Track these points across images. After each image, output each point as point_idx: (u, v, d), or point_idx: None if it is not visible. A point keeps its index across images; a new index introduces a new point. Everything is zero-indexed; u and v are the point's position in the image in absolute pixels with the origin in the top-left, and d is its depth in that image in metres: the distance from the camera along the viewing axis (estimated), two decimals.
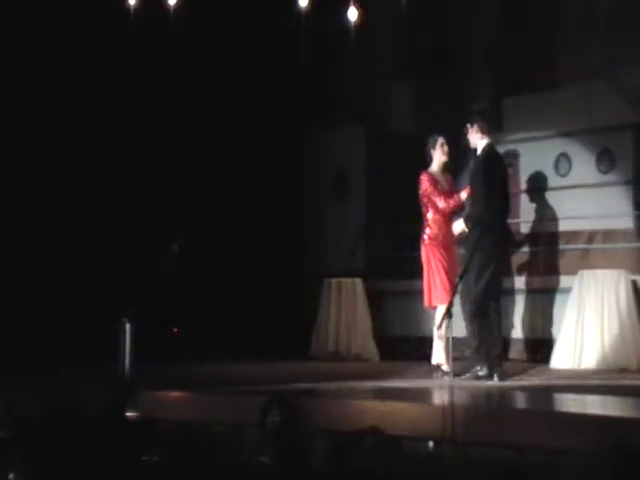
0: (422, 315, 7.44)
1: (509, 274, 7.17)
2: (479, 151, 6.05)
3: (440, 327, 6.14)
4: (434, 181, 6.22)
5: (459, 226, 6.03)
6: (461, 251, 6.34)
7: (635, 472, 3.37)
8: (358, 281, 8.02)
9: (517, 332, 7.26)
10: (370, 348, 7.89)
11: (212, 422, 4.85)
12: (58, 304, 7.37)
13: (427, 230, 6.23)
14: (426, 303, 6.26)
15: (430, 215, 6.21)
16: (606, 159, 7.34)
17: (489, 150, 6.04)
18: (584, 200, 7.31)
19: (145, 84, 7.82)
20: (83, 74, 7.68)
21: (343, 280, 8.06)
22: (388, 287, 8.16)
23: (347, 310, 8.01)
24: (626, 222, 7.21)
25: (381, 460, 3.94)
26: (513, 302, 7.28)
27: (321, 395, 5.34)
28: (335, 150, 8.65)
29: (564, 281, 7.09)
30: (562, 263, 7.29)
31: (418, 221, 7.63)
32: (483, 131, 6.04)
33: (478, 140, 6.06)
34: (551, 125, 7.44)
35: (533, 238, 7.34)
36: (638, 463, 3.42)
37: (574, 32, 7.43)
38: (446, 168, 6.31)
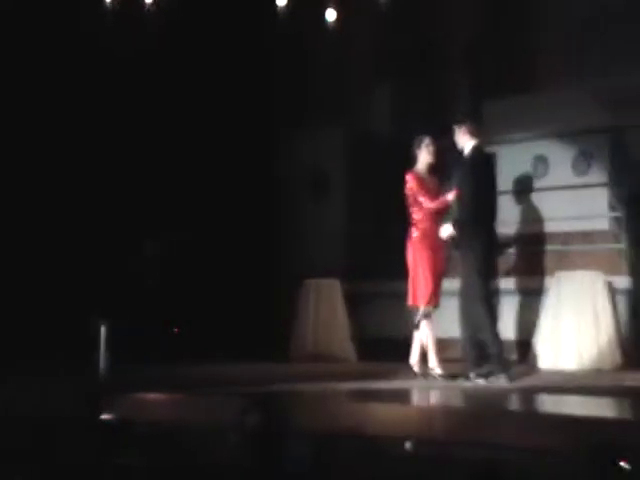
0: (400, 316, 7.45)
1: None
2: (467, 152, 5.99)
3: (417, 328, 6.16)
4: (420, 180, 6.17)
5: (447, 230, 5.97)
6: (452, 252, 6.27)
7: (610, 471, 3.40)
8: (336, 282, 8.02)
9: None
10: (348, 349, 7.89)
11: (189, 424, 4.81)
12: (33, 307, 7.28)
13: (414, 230, 6.18)
14: (410, 302, 6.22)
15: (417, 215, 6.17)
16: (582, 161, 7.41)
17: (477, 151, 5.97)
18: (561, 202, 7.37)
19: (121, 84, 7.76)
20: (60, 74, 7.60)
21: (321, 281, 8.06)
22: (366, 288, 8.17)
23: (325, 311, 8.00)
24: (602, 224, 7.28)
25: (359, 461, 3.94)
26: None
27: (299, 396, 5.33)
28: (314, 150, 8.65)
29: (541, 282, 7.14)
30: (539, 264, 7.34)
31: (397, 222, 7.64)
32: (471, 132, 5.97)
33: (466, 141, 5.99)
34: (529, 127, 7.50)
35: (510, 239, 7.38)
36: (613, 462, 3.45)
37: (552, 36, 7.50)
38: (431, 169, 6.26)
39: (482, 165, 5.98)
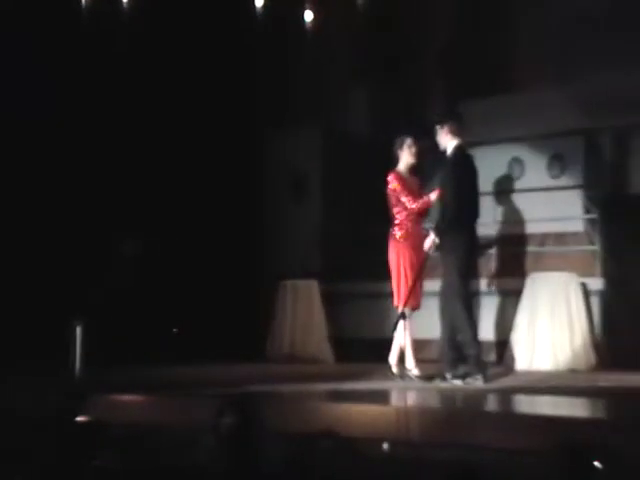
0: (378, 317, 7.48)
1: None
2: (449, 152, 5.95)
3: (395, 329, 6.17)
4: (403, 181, 6.14)
5: (429, 240, 5.88)
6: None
7: (584, 471, 3.43)
8: (314, 283, 8.02)
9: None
10: (325, 350, 7.89)
11: (165, 425, 4.79)
12: (8, 307, 7.20)
13: (397, 230, 6.14)
14: (396, 302, 6.14)
15: (399, 215, 6.13)
16: (557, 164, 7.49)
17: (459, 151, 5.92)
18: (536, 204, 7.44)
19: (103, 86, 7.70)
20: (36, 75, 7.51)
21: (299, 282, 8.06)
22: (344, 289, 8.18)
23: (303, 312, 8.00)
24: (576, 225, 7.36)
25: (336, 462, 3.94)
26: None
27: (276, 397, 5.32)
28: (292, 151, 8.65)
29: (516, 283, 7.19)
30: (515, 265, 7.40)
31: (375, 222, 7.66)
32: (453, 132, 5.91)
33: (448, 141, 5.93)
34: (504, 129, 7.55)
35: (487, 241, 7.44)
36: (586, 462, 3.48)
37: (529, 38, 7.56)
38: (413, 169, 6.24)
39: (464, 165, 5.94)
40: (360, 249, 8.22)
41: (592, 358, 6.86)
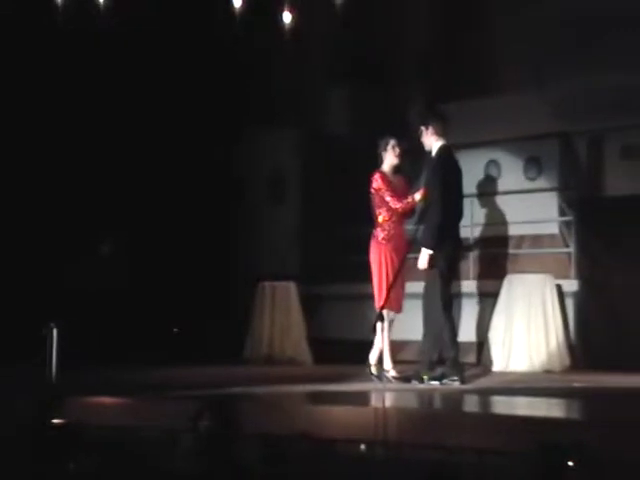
0: (356, 318, 7.50)
1: None
2: (434, 153, 5.89)
3: (374, 330, 6.17)
4: (387, 181, 6.10)
5: (424, 258, 5.76)
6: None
7: (559, 471, 3.48)
8: (292, 285, 8.03)
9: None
10: (304, 352, 7.90)
11: (143, 428, 4.77)
12: None
13: (379, 231, 6.09)
14: (378, 304, 6.06)
15: (382, 217, 6.08)
16: (533, 166, 7.56)
17: (444, 152, 5.88)
18: (513, 206, 7.50)
19: (75, 83, 7.65)
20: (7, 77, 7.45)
21: (277, 284, 8.06)
22: (322, 290, 8.20)
23: (281, 314, 8.00)
24: (552, 228, 7.44)
25: (313, 463, 3.95)
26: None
27: (254, 399, 5.32)
28: (271, 152, 8.66)
29: (493, 285, 7.25)
30: (492, 267, 7.46)
31: (354, 224, 7.68)
32: (438, 133, 5.87)
33: (433, 142, 5.89)
34: (481, 132, 7.62)
35: (465, 243, 7.49)
36: (560, 461, 3.53)
37: (505, 43, 7.63)
38: (398, 170, 6.19)
39: (449, 165, 5.91)
40: (338, 250, 8.24)
41: (567, 359, 6.94)
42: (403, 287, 6.07)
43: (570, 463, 3.52)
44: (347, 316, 7.89)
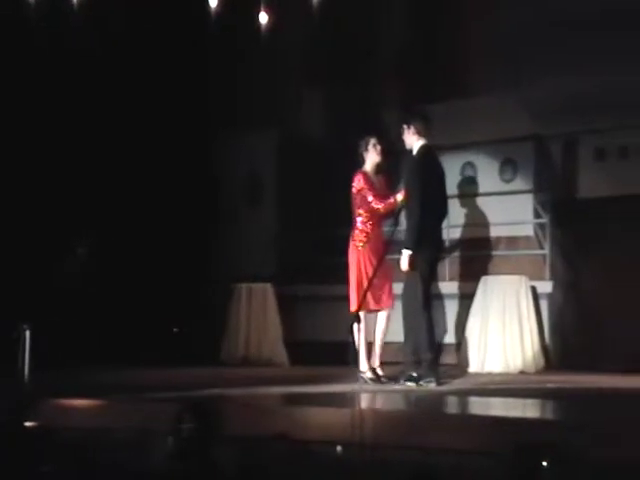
0: (333, 320, 7.50)
1: None
2: (415, 152, 5.86)
3: (351, 332, 6.17)
4: (369, 181, 6.05)
5: (405, 257, 5.71)
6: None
7: (533, 471, 3.50)
8: (268, 286, 8.02)
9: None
10: (280, 353, 7.89)
11: (118, 429, 4.74)
12: None
13: (358, 233, 6.02)
14: (354, 308, 5.98)
15: (362, 217, 6.02)
16: (509, 168, 7.62)
17: (425, 151, 5.85)
18: (489, 208, 7.56)
19: (54, 86, 7.58)
20: None
21: (253, 285, 8.04)
22: (299, 292, 8.20)
23: (257, 315, 7.99)
24: (527, 229, 7.50)
25: (290, 465, 3.95)
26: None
27: (230, 401, 5.30)
28: (247, 153, 8.64)
29: (469, 287, 7.29)
30: (467, 269, 7.50)
31: (330, 225, 7.68)
32: (419, 132, 5.83)
33: (414, 141, 5.85)
34: (457, 134, 7.66)
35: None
36: (535, 462, 3.56)
37: (480, 45, 7.68)
38: (380, 169, 6.14)
39: (430, 165, 5.87)
40: (315, 252, 8.24)
41: (541, 360, 7.00)
42: (385, 285, 5.99)
43: (544, 463, 3.55)
44: (324, 317, 7.90)
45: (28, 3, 6.60)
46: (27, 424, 4.58)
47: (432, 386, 5.72)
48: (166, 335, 7.83)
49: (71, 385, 5.80)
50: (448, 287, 7.45)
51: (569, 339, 7.11)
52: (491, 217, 7.48)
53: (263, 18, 6.98)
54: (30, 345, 5.55)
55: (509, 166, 7.63)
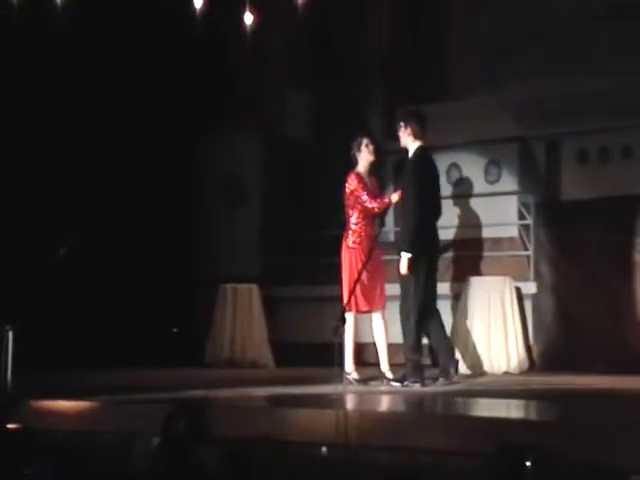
0: (318, 321, 7.50)
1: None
2: (411, 154, 5.84)
3: (335, 333, 6.16)
4: (362, 181, 6.02)
5: (404, 260, 5.69)
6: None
7: (515, 471, 3.52)
8: (254, 287, 8.01)
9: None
10: (266, 354, 7.88)
11: (102, 432, 4.71)
12: None
13: (351, 234, 5.98)
14: (347, 306, 5.92)
15: (354, 218, 5.99)
16: (494, 170, 7.66)
17: (421, 153, 5.83)
18: (473, 209, 7.59)
19: (28, 83, 7.53)
20: None
21: (239, 286, 8.03)
22: (284, 293, 8.20)
23: (243, 316, 7.97)
24: (512, 231, 7.54)
25: (274, 466, 3.95)
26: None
27: (215, 402, 5.29)
28: (231, 154, 8.63)
29: (454, 288, 7.32)
30: (452, 270, 7.53)
31: (315, 227, 7.69)
32: (415, 133, 5.81)
33: (410, 142, 5.83)
34: (442, 136, 7.69)
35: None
36: (519, 462, 3.58)
37: (464, 48, 7.72)
38: (372, 170, 6.13)
39: (426, 166, 5.86)
40: (300, 253, 8.25)
41: (525, 361, 7.04)
42: (377, 285, 5.97)
43: (528, 463, 3.57)
44: (309, 318, 7.90)
45: (11, 4, 6.55)
46: (9, 426, 4.55)
47: (417, 387, 5.73)
48: (150, 336, 7.79)
49: (55, 386, 5.76)
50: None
51: (553, 340, 7.15)
52: (476, 218, 7.51)
53: (248, 18, 6.97)
54: (13, 346, 5.51)
55: (494, 168, 7.66)
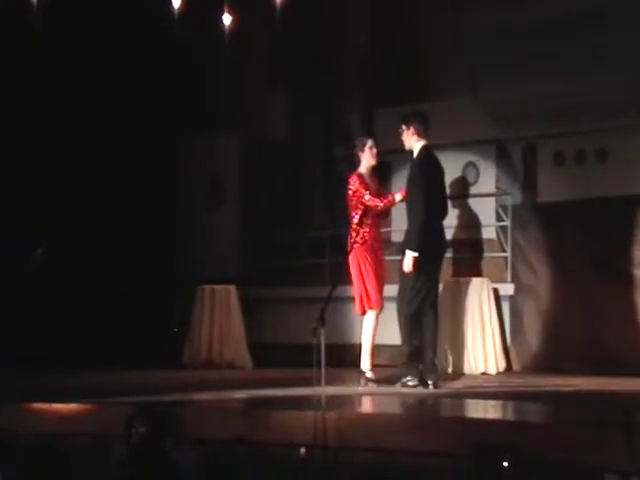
0: (296, 322, 7.49)
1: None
2: (415, 154, 5.82)
3: (315, 334, 6.15)
4: (364, 182, 6.02)
5: (409, 258, 5.66)
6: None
7: (493, 471, 3.54)
8: (232, 288, 7.98)
9: (391, 338, 7.32)
10: (243, 356, 7.85)
11: (75, 434, 4.67)
12: None
13: (355, 235, 5.97)
14: (358, 311, 6.00)
15: (357, 219, 5.97)
16: (472, 172, 7.69)
17: (425, 152, 5.80)
18: (452, 210, 7.61)
19: (6, 83, 7.45)
20: None
21: (217, 287, 7.99)
22: (263, 294, 8.17)
23: (220, 317, 7.94)
24: (490, 232, 7.58)
25: (251, 468, 3.93)
26: (387, 309, 7.43)
27: (192, 404, 5.26)
28: (210, 155, 8.60)
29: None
30: None
31: (293, 228, 7.67)
32: (419, 133, 5.78)
33: (414, 142, 5.80)
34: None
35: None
36: (496, 462, 3.59)
37: (442, 50, 7.75)
38: (374, 171, 6.12)
39: (431, 165, 5.84)
40: (278, 254, 8.23)
41: (503, 362, 7.07)
42: (382, 286, 6.01)
43: (505, 463, 3.59)
44: (287, 319, 7.89)
45: None
46: None
47: (430, 388, 5.68)
48: (128, 338, 7.74)
49: (28, 389, 5.70)
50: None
51: (530, 341, 7.20)
52: (454, 220, 7.54)
53: (227, 19, 6.96)
54: None
55: (472, 169, 7.70)
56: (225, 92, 8.43)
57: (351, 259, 6.01)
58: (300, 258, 8.04)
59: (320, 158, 8.32)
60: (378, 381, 5.96)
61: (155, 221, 8.33)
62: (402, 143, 5.95)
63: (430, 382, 5.72)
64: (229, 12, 6.83)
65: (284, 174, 8.30)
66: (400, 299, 5.84)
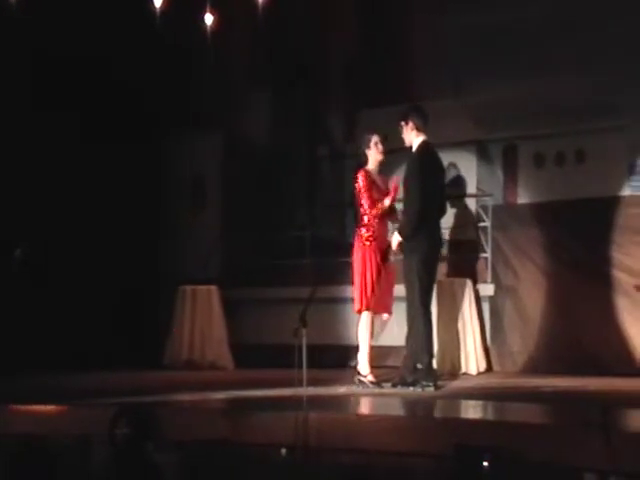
0: (278, 323, 7.49)
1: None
2: (414, 149, 5.77)
3: (296, 335, 6.14)
4: (370, 180, 5.96)
5: (396, 239, 5.70)
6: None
7: (473, 471, 3.57)
8: (213, 288, 7.96)
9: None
10: (225, 356, 7.84)
11: (56, 436, 4.64)
12: None
13: (364, 231, 5.89)
14: (358, 307, 5.90)
15: (367, 216, 5.90)
16: (452, 172, 7.74)
17: (424, 148, 5.75)
18: None
19: None
20: None
21: (198, 288, 7.98)
22: (244, 295, 8.17)
23: (202, 318, 7.92)
24: (470, 233, 7.62)
25: (233, 469, 3.93)
26: None
27: (173, 405, 5.25)
28: (192, 155, 8.58)
29: None
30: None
31: (275, 228, 7.66)
32: (418, 128, 5.74)
33: (414, 138, 5.75)
34: (401, 138, 7.73)
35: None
36: (476, 462, 3.62)
37: (423, 52, 7.78)
38: (381, 167, 6.07)
39: (430, 161, 5.79)
40: (261, 254, 8.23)
41: (483, 362, 7.12)
42: (390, 290, 5.96)
43: (485, 463, 3.62)
44: (269, 320, 7.88)
45: None
46: None
47: (430, 390, 5.65)
48: (109, 339, 7.70)
49: (11, 389, 5.66)
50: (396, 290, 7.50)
51: (510, 341, 7.25)
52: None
53: (209, 19, 6.94)
54: None
55: (452, 170, 7.74)
56: (209, 92, 8.42)
57: (355, 256, 5.94)
58: (282, 258, 8.05)
59: (303, 158, 8.33)
60: (377, 384, 5.92)
61: (138, 221, 8.29)
62: (402, 140, 5.91)
63: (431, 384, 5.69)
64: (211, 12, 6.81)
65: (267, 174, 8.29)
66: (409, 306, 5.77)
